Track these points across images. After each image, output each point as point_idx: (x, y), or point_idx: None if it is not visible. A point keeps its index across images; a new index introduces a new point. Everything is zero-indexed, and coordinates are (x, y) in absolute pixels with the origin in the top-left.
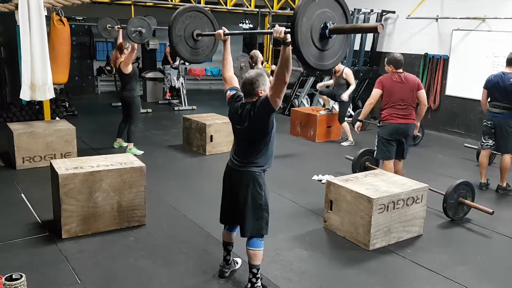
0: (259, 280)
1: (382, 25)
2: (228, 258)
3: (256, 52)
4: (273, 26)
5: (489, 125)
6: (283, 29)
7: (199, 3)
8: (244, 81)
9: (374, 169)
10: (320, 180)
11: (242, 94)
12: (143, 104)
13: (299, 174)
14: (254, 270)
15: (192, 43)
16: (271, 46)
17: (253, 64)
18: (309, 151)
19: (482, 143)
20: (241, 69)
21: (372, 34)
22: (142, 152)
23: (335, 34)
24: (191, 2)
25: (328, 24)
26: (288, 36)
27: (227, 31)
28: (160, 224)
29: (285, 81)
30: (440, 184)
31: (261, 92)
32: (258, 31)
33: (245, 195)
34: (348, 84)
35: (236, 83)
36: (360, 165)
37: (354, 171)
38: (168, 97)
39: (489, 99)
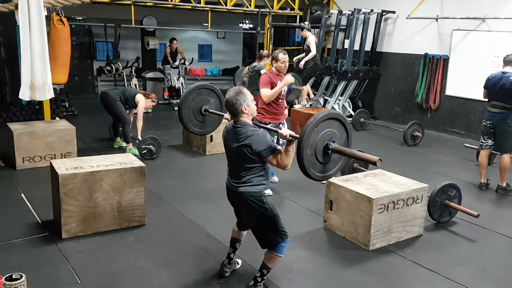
0: (263, 281)
1: (381, 160)
2: (232, 256)
3: (263, 52)
4: (273, 27)
5: (488, 125)
6: (288, 133)
7: (199, 3)
8: (226, 102)
9: (363, 171)
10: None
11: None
12: None
13: (299, 174)
14: (265, 271)
15: (201, 118)
16: (271, 46)
17: (259, 61)
18: None
19: (481, 143)
20: (244, 83)
21: (372, 33)
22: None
23: (336, 153)
24: (191, 2)
25: (329, 146)
26: (293, 137)
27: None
28: (160, 224)
29: (285, 168)
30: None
31: (245, 109)
32: (262, 126)
33: (249, 215)
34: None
35: None
36: (348, 167)
37: (342, 173)
38: (166, 97)
39: (488, 99)
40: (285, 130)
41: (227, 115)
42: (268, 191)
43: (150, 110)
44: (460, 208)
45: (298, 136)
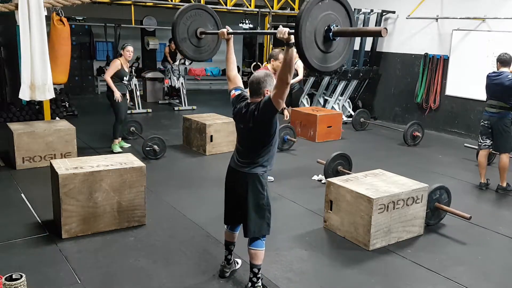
0: (259, 280)
1: (386, 29)
2: (230, 257)
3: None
4: (274, 27)
5: (486, 125)
6: (287, 30)
7: (199, 2)
8: (252, 79)
9: (348, 173)
10: (320, 180)
11: (247, 94)
12: (143, 104)
13: (299, 174)
14: (255, 270)
15: (196, 41)
16: (271, 46)
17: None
18: (309, 151)
19: (480, 143)
20: None
21: None
22: (127, 145)
23: (339, 36)
24: (191, 2)
25: (332, 27)
26: (292, 37)
27: (230, 30)
28: (160, 224)
29: (287, 82)
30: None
31: (267, 92)
32: (261, 31)
33: (247, 195)
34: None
35: (240, 82)
36: (332, 169)
37: (326, 176)
38: (166, 84)
39: (485, 99)
40: (283, 28)
41: (224, 30)
42: (270, 178)
43: (150, 110)
44: (451, 210)
45: (293, 31)
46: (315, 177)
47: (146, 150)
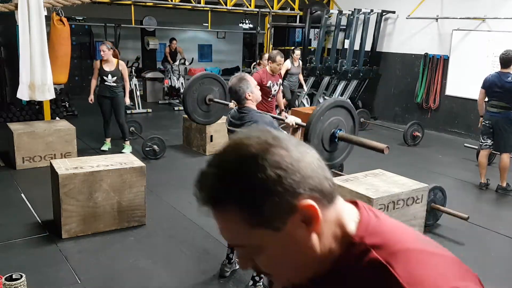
0: (262, 279)
1: (388, 148)
2: (232, 256)
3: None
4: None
5: (487, 124)
6: (294, 121)
7: (199, 3)
8: (229, 91)
9: (340, 175)
10: None
11: None
12: (143, 104)
13: None
14: None
15: (205, 107)
16: (271, 46)
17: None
18: None
19: (480, 143)
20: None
21: (372, 34)
22: (106, 148)
23: (343, 141)
24: (191, 2)
25: (336, 134)
26: (299, 125)
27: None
28: (160, 224)
29: None
30: (440, 184)
31: (248, 95)
32: (272, 115)
33: None
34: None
35: None
36: None
37: None
38: (166, 85)
39: (487, 99)
40: (291, 118)
41: (231, 104)
42: None
43: (150, 110)
44: (447, 211)
45: (304, 124)
46: None
47: (146, 150)
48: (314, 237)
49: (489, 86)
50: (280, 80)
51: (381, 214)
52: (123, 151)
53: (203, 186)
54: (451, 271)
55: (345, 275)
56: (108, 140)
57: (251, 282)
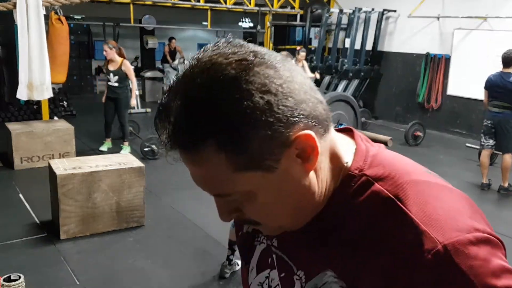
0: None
1: (392, 139)
2: (232, 257)
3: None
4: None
5: (489, 124)
6: None
7: (199, 1)
8: None
9: None
10: None
11: None
12: (142, 103)
13: None
14: None
15: None
16: (271, 45)
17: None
18: None
19: (482, 143)
20: None
21: (373, 33)
22: (105, 148)
23: None
24: (190, 1)
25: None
26: None
27: None
28: (159, 224)
29: None
30: None
31: None
32: None
33: None
34: None
35: None
36: None
37: None
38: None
39: (489, 99)
40: None
41: None
42: None
43: (149, 110)
44: None
45: None
46: None
47: (145, 151)
48: (312, 174)
49: (490, 86)
50: None
51: (379, 145)
52: (121, 151)
53: (168, 123)
54: (464, 208)
55: (343, 212)
56: (108, 141)
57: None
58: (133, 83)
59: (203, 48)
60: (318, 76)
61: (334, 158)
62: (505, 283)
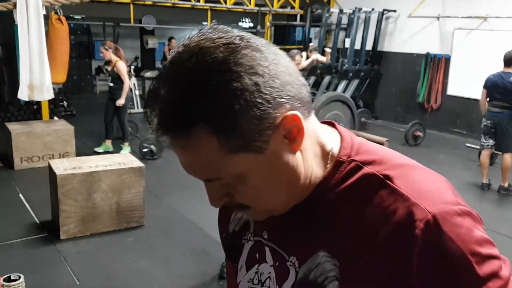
0: None
1: (388, 141)
2: None
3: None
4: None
5: (489, 124)
6: None
7: (199, 1)
8: None
9: None
10: None
11: None
12: (142, 103)
13: None
14: None
15: None
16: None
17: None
18: None
19: (482, 143)
20: None
21: (373, 33)
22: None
23: None
24: (190, 1)
25: None
26: None
27: None
28: (159, 225)
29: None
30: None
31: None
32: None
33: None
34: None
35: None
36: None
37: None
38: None
39: (488, 99)
40: None
41: None
42: None
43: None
44: None
45: None
46: None
47: (143, 152)
48: (298, 154)
49: (490, 86)
50: None
51: (360, 137)
52: (121, 152)
53: (159, 109)
54: (446, 187)
55: (335, 195)
56: (108, 143)
57: None
58: (125, 84)
59: (188, 35)
60: (329, 57)
61: (318, 143)
62: (488, 252)
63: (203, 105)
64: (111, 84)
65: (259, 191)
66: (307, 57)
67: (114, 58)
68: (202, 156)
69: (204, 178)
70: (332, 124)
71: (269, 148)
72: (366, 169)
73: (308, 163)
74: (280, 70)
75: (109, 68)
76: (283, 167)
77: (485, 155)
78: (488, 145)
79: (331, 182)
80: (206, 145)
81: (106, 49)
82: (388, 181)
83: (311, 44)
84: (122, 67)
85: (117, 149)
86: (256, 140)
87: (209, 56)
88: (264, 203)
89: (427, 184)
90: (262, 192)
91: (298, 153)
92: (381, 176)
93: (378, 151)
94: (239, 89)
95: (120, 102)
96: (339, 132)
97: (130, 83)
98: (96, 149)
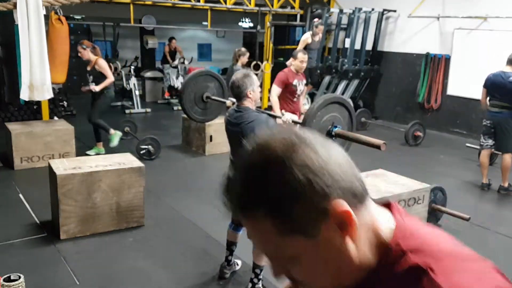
0: (260, 281)
1: (385, 144)
2: (230, 258)
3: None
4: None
5: (489, 124)
6: (290, 119)
7: (199, 1)
8: (231, 85)
9: None
10: None
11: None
12: (142, 103)
13: None
14: (257, 271)
15: (202, 105)
16: (271, 45)
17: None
18: None
19: (482, 143)
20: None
21: (373, 33)
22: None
23: (340, 138)
24: (190, 1)
25: (332, 132)
26: (296, 123)
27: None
28: (159, 225)
29: None
30: (441, 184)
31: (249, 93)
32: (268, 113)
33: None
34: None
35: None
36: None
37: None
38: (167, 97)
39: (488, 98)
40: (287, 116)
41: (228, 102)
42: None
43: (149, 110)
44: (449, 212)
45: (300, 121)
46: None
47: (141, 153)
48: (350, 243)
49: (490, 85)
50: (305, 80)
51: (413, 217)
52: (87, 152)
53: (229, 193)
54: (486, 278)
55: (383, 282)
56: (99, 145)
57: (250, 285)
58: (108, 78)
59: (263, 131)
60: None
61: (374, 229)
62: None
63: (262, 193)
64: (93, 84)
65: (311, 272)
66: (315, 34)
67: (92, 57)
68: (260, 234)
69: (263, 252)
70: (389, 205)
71: (320, 235)
72: (411, 258)
73: (359, 251)
74: (332, 166)
75: (89, 68)
76: (334, 253)
77: (484, 155)
78: (487, 145)
79: (380, 270)
80: (263, 225)
81: (84, 48)
82: (430, 272)
83: (316, 20)
84: (103, 63)
85: (108, 151)
86: (307, 226)
87: (269, 153)
88: (316, 283)
89: (465, 277)
90: (313, 274)
91: (350, 241)
92: (424, 267)
93: (426, 235)
94: (293, 182)
95: (95, 87)
96: (394, 214)
97: (130, 83)
98: (88, 152)
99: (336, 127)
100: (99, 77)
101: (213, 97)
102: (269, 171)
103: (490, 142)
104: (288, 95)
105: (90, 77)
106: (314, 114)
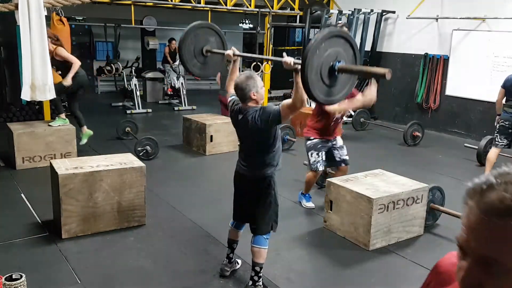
0: (261, 279)
1: (390, 71)
2: (232, 256)
3: None
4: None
5: (506, 125)
6: (292, 60)
7: (199, 3)
8: (236, 87)
9: (332, 173)
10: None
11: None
12: (143, 104)
13: (299, 174)
14: (257, 268)
15: (202, 59)
16: (271, 46)
17: None
18: None
19: (496, 142)
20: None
21: (372, 33)
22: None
23: (344, 73)
24: (191, 2)
25: (335, 66)
26: (298, 65)
27: (236, 52)
28: (160, 224)
29: (302, 103)
30: (440, 184)
31: (253, 95)
32: (266, 57)
33: (256, 196)
34: None
35: None
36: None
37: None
38: (169, 92)
39: (505, 99)
40: (289, 59)
41: (229, 51)
42: (310, 204)
43: (149, 110)
44: (447, 211)
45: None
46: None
47: (139, 155)
48: None
49: (510, 86)
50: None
51: None
52: (50, 123)
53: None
54: None
55: None
56: (84, 130)
57: (250, 283)
58: (74, 63)
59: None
60: None
61: None
62: None
63: None
64: (60, 73)
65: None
66: None
67: (52, 47)
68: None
69: (490, 256)
70: None
71: None
72: None
73: None
74: None
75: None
76: None
77: (495, 152)
78: (502, 144)
79: None
80: None
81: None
82: None
83: (339, 23)
84: (62, 51)
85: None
86: None
87: None
88: None
89: None
90: None
91: None
92: None
93: None
94: None
95: (67, 81)
96: None
97: (131, 84)
98: (51, 124)
99: (339, 61)
100: (63, 67)
101: (213, 50)
102: None
103: (505, 142)
104: (324, 118)
105: (52, 68)
106: (315, 49)
